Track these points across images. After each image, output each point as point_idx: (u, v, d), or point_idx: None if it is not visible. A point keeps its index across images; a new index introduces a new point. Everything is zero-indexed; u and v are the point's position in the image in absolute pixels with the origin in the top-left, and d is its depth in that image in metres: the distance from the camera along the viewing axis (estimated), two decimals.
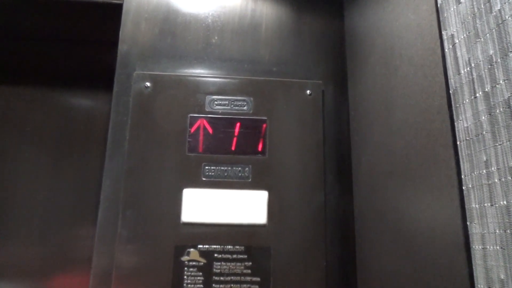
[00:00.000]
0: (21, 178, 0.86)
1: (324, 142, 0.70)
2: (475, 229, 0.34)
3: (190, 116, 0.68)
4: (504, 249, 0.31)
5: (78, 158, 0.88)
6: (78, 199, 0.86)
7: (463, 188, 0.36)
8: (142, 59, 0.72)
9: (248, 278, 0.62)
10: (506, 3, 0.31)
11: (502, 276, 0.31)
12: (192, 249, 0.62)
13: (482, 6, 0.34)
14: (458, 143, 0.37)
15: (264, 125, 0.69)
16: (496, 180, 0.32)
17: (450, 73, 0.38)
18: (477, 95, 0.34)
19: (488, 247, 0.33)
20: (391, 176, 0.53)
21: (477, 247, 0.34)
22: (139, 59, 0.72)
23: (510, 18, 0.30)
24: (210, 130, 0.68)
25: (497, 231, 0.32)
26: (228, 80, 0.71)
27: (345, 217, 0.68)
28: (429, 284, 0.41)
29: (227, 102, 0.69)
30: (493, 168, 0.32)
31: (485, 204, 0.33)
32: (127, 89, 0.69)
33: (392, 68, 0.54)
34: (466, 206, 0.36)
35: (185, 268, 0.61)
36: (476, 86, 0.35)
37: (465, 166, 0.36)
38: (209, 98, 0.69)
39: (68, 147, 0.88)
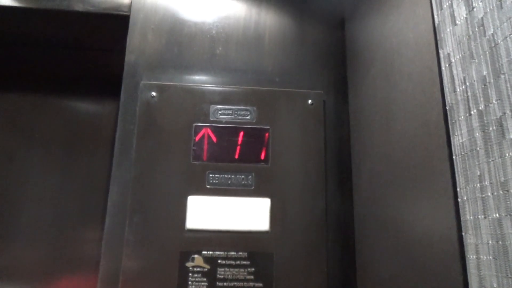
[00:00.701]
0: (28, 182, 0.88)
1: (325, 150, 0.72)
2: (469, 239, 0.36)
3: (195, 125, 0.70)
4: (496, 259, 0.33)
5: (85, 163, 0.90)
6: (85, 203, 0.87)
7: (459, 200, 0.38)
8: (148, 68, 0.74)
9: (251, 284, 0.64)
10: (498, 28, 0.33)
11: (495, 285, 0.33)
12: (196, 255, 0.64)
13: (476, 29, 0.36)
14: (454, 157, 0.39)
15: (267, 134, 0.71)
16: (489, 194, 0.34)
17: (447, 90, 0.41)
18: (472, 112, 0.36)
19: (481, 257, 0.35)
20: (390, 185, 0.55)
21: (471, 256, 0.36)
22: (145, 69, 0.74)
23: (502, 42, 0.32)
24: (214, 139, 0.70)
25: (490, 242, 0.34)
26: (232, 90, 0.73)
27: (346, 224, 0.70)
28: None
29: (231, 112, 0.71)
30: (486, 183, 0.34)
31: (479, 216, 0.35)
32: (134, 98, 0.71)
33: (392, 82, 0.56)
34: (461, 218, 0.38)
35: (190, 274, 0.63)
36: (470, 104, 0.37)
37: (460, 180, 0.38)
38: (213, 107, 0.71)
39: (75, 152, 0.90)
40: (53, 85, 0.93)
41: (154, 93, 0.71)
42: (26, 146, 0.89)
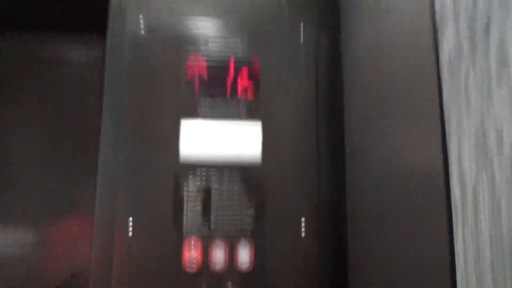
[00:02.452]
0: (20, 130, 0.88)
1: (316, 81, 0.71)
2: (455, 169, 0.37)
3: (186, 55, 0.69)
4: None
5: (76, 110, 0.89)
6: (77, 146, 0.88)
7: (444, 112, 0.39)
8: (135, 2, 0.71)
9: (244, 211, 0.66)
10: None
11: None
12: (191, 184, 0.66)
13: None
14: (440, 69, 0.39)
15: (258, 65, 0.70)
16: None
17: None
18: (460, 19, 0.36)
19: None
20: (380, 113, 0.56)
21: (456, 188, 0.36)
22: (132, 2, 0.71)
23: None
24: (205, 70, 0.69)
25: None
26: (222, 20, 0.71)
27: (336, 150, 0.70)
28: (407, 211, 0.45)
29: (221, 42, 0.70)
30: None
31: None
32: (121, 33, 0.69)
33: (382, 7, 0.55)
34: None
35: (185, 202, 0.65)
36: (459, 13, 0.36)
37: (445, 93, 0.39)
38: (203, 38, 0.70)
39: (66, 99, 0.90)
40: (39, 32, 0.90)
41: (142, 27, 0.69)
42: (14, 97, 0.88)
